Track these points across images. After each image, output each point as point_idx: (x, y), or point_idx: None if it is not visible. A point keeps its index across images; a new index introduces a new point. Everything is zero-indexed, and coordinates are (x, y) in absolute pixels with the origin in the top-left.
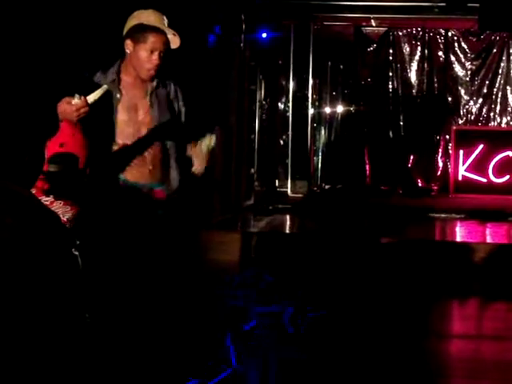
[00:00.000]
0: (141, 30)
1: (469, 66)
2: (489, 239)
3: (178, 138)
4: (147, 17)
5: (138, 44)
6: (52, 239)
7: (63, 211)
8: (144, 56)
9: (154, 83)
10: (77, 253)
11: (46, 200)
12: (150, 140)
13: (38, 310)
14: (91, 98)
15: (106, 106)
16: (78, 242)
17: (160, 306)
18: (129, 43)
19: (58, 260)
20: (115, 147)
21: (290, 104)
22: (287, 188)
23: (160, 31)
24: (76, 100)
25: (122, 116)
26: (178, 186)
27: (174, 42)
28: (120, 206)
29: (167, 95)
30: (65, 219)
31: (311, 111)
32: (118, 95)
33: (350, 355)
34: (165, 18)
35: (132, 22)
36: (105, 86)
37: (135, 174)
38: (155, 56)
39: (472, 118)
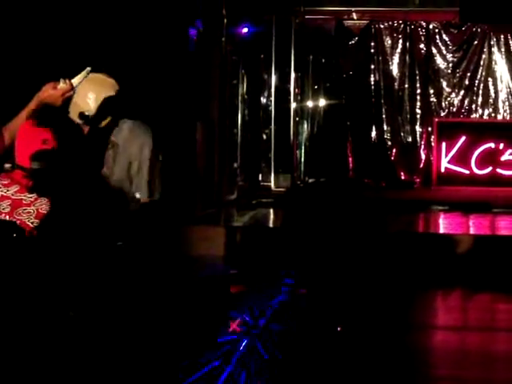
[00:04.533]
0: None
1: (450, 58)
2: (472, 231)
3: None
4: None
5: None
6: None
7: (47, 208)
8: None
9: None
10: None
11: (30, 197)
12: None
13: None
14: (75, 81)
15: None
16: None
17: (144, 300)
18: None
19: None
20: None
21: (273, 98)
22: (270, 182)
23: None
24: (61, 84)
25: None
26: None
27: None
28: (100, 201)
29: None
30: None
31: (293, 105)
32: None
33: (334, 348)
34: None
35: None
36: (88, 69)
37: None
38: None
39: (454, 109)
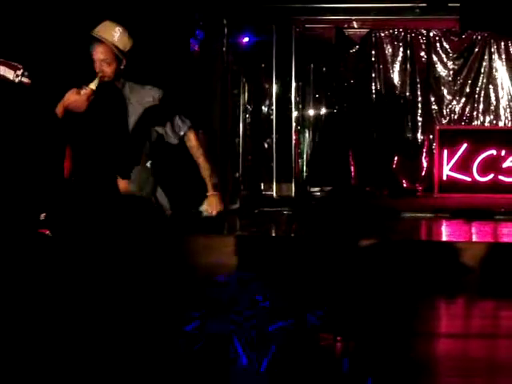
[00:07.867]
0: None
1: (451, 66)
2: (475, 238)
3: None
4: (97, 29)
5: None
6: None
7: None
8: (94, 66)
9: None
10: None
11: None
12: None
13: None
14: (93, 85)
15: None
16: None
17: (145, 309)
18: None
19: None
20: None
21: (274, 107)
22: (272, 191)
23: (98, 41)
24: (84, 90)
25: None
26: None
27: (123, 43)
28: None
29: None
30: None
31: (295, 114)
32: None
33: (335, 356)
34: (115, 27)
35: None
36: (100, 74)
37: None
38: (96, 65)
39: (455, 117)
